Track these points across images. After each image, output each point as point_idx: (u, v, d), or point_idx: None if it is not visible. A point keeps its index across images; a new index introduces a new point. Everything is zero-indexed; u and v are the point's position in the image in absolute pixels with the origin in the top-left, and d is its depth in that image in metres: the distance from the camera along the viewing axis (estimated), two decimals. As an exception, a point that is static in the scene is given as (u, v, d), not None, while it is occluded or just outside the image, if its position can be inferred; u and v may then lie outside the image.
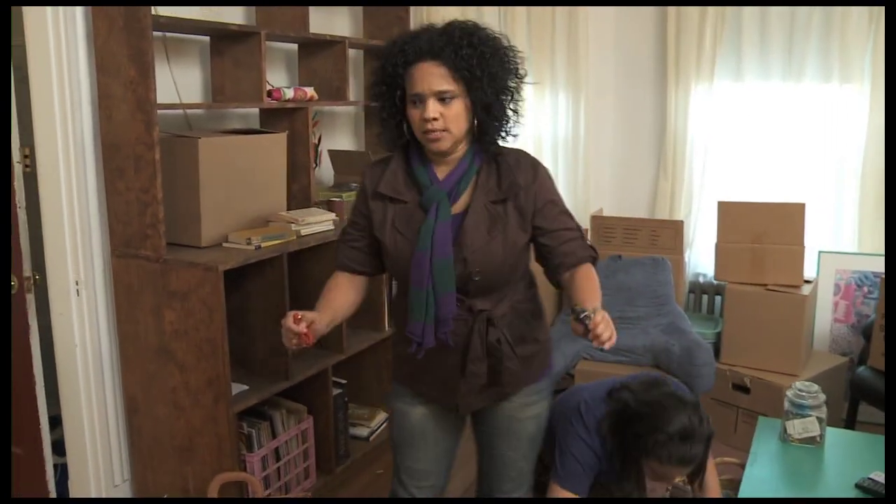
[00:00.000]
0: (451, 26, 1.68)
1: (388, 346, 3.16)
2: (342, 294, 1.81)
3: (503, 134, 1.74)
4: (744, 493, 2.05)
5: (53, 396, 2.62)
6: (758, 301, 3.29)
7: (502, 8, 3.73)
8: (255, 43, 2.67)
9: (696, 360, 3.13)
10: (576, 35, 3.74)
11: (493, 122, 1.69)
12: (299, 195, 2.96)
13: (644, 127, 3.88)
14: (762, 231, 3.33)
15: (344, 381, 2.97)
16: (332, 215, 2.83)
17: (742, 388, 3.28)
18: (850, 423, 3.10)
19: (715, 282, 3.64)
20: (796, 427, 2.28)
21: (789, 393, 2.31)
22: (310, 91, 2.93)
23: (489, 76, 1.64)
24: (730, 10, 3.53)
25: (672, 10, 3.62)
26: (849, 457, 2.26)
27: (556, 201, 1.75)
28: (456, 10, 3.52)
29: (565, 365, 3.35)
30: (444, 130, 1.66)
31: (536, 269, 1.86)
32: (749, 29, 3.53)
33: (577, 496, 1.94)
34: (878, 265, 3.35)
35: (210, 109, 2.90)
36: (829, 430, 2.34)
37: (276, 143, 2.74)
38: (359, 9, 3.55)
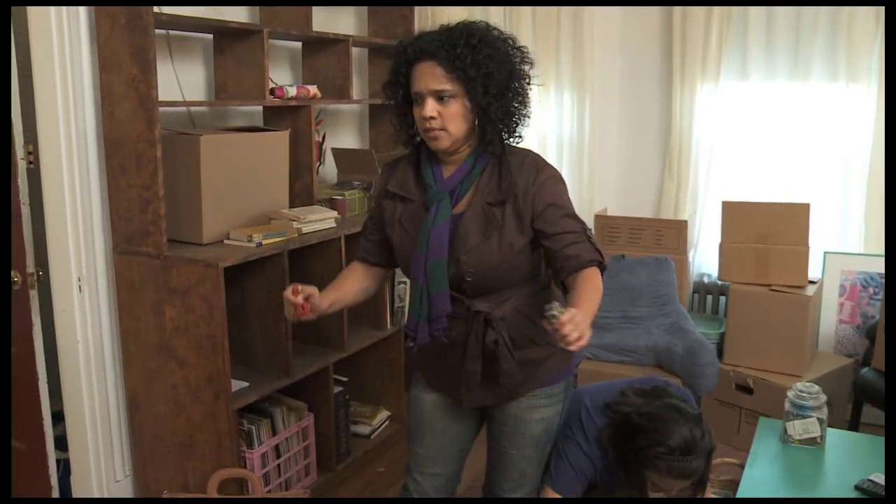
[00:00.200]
0: (457, 26, 1.69)
1: (389, 345, 3.17)
2: (352, 280, 1.93)
3: (506, 135, 1.74)
4: (742, 493, 2.04)
5: (56, 392, 2.64)
6: (762, 301, 3.27)
7: (507, 8, 3.73)
8: (258, 41, 2.68)
9: (698, 360, 3.11)
10: (581, 35, 3.74)
11: (492, 123, 1.69)
12: (302, 193, 2.97)
13: (649, 126, 3.87)
14: (767, 231, 3.31)
15: (345, 379, 2.98)
16: (335, 213, 2.84)
17: (745, 389, 3.27)
18: (853, 424, 3.09)
19: (719, 282, 3.62)
20: (797, 428, 2.27)
21: (790, 394, 2.30)
22: (313, 89, 2.94)
23: (485, 77, 1.64)
24: (736, 10, 3.51)
25: (678, 10, 3.60)
26: (849, 458, 2.24)
27: (558, 204, 1.71)
28: (462, 10, 3.52)
29: (568, 364, 3.34)
30: (441, 129, 1.67)
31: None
32: (755, 28, 3.51)
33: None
34: (884, 266, 3.33)
35: (214, 107, 2.91)
36: (830, 432, 2.32)
37: (278, 141, 2.75)
38: (363, 7, 3.56)
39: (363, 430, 3.13)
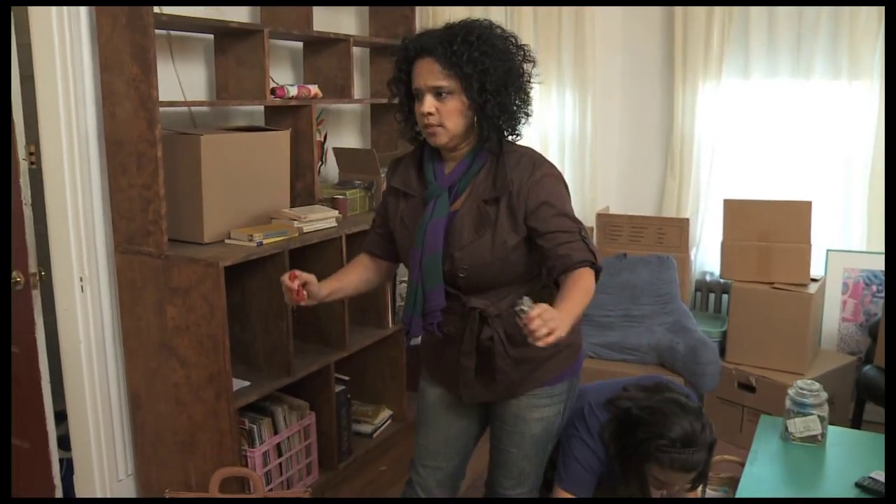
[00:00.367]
0: (458, 24, 1.71)
1: (391, 344, 3.17)
2: (356, 271, 1.97)
3: (504, 133, 1.74)
4: (742, 491, 2.03)
5: (59, 392, 2.65)
6: (764, 299, 3.26)
7: (509, 7, 3.73)
8: (259, 41, 2.69)
9: (700, 358, 3.11)
10: (583, 33, 3.73)
11: (489, 120, 1.69)
12: (303, 193, 2.97)
13: (651, 125, 3.86)
14: (769, 229, 3.30)
15: (347, 378, 2.98)
16: (336, 213, 2.84)
17: (747, 387, 3.26)
18: (856, 422, 3.08)
19: (721, 280, 3.61)
20: (797, 425, 2.26)
21: (791, 391, 2.29)
22: (314, 89, 2.94)
23: (481, 73, 1.64)
24: (737, 8, 3.50)
25: (679, 9, 3.60)
26: (850, 456, 2.24)
27: (551, 203, 1.69)
28: (463, 10, 3.52)
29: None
30: (439, 126, 1.69)
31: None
32: (757, 26, 3.50)
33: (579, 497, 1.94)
34: (884, 263, 3.32)
35: (215, 107, 2.92)
36: (831, 429, 2.31)
37: (279, 141, 2.75)
38: (364, 7, 3.57)
39: (365, 429, 3.14)
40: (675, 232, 3.50)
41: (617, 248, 3.57)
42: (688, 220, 3.52)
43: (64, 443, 2.71)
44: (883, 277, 3.37)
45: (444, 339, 1.82)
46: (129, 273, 2.50)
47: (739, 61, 3.57)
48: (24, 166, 2.49)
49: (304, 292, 1.78)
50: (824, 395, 2.27)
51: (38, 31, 2.41)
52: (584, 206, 3.88)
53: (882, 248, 3.37)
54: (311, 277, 1.79)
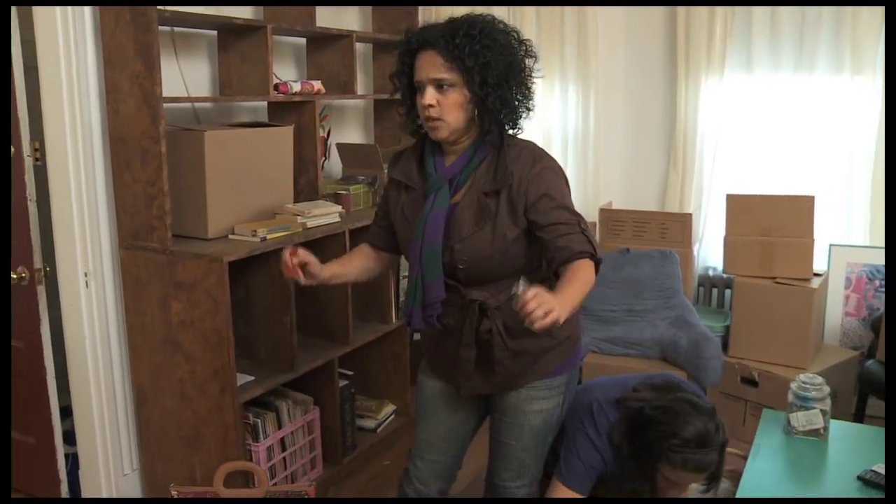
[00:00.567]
0: (461, 18, 1.72)
1: (395, 339, 3.18)
2: (359, 259, 2.00)
3: (505, 126, 1.74)
4: (744, 484, 2.04)
5: (64, 387, 2.66)
6: (766, 294, 3.26)
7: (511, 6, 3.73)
8: (262, 37, 2.70)
9: (703, 353, 3.11)
10: (585, 29, 3.73)
11: (490, 113, 1.69)
12: (307, 188, 2.98)
13: (654, 120, 3.86)
14: (771, 224, 3.30)
15: (350, 373, 3.00)
16: (339, 208, 2.85)
17: (750, 382, 3.26)
18: (858, 417, 3.08)
19: (724, 275, 3.61)
20: (800, 419, 2.27)
21: (793, 385, 2.29)
22: (317, 85, 2.95)
23: (482, 66, 1.65)
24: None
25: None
26: (852, 449, 2.24)
27: (551, 195, 1.69)
28: (466, 9, 3.53)
29: (572, 358, 3.35)
30: (439, 119, 1.69)
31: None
32: (759, 21, 3.49)
33: (577, 494, 1.93)
34: (884, 255, 3.32)
35: (218, 103, 2.93)
36: (833, 423, 2.32)
37: (282, 137, 2.76)
38: (367, 6, 3.57)
39: (369, 423, 3.15)
40: (678, 227, 3.50)
41: (620, 243, 3.57)
42: (691, 215, 3.53)
43: (69, 438, 2.73)
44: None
45: (444, 332, 1.82)
46: (133, 268, 2.51)
47: (742, 56, 3.56)
48: (28, 163, 2.51)
49: (300, 272, 1.81)
50: (827, 390, 2.28)
51: (41, 28, 2.42)
52: (587, 201, 3.88)
53: (884, 243, 3.37)
54: (311, 259, 1.84)
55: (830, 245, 3.48)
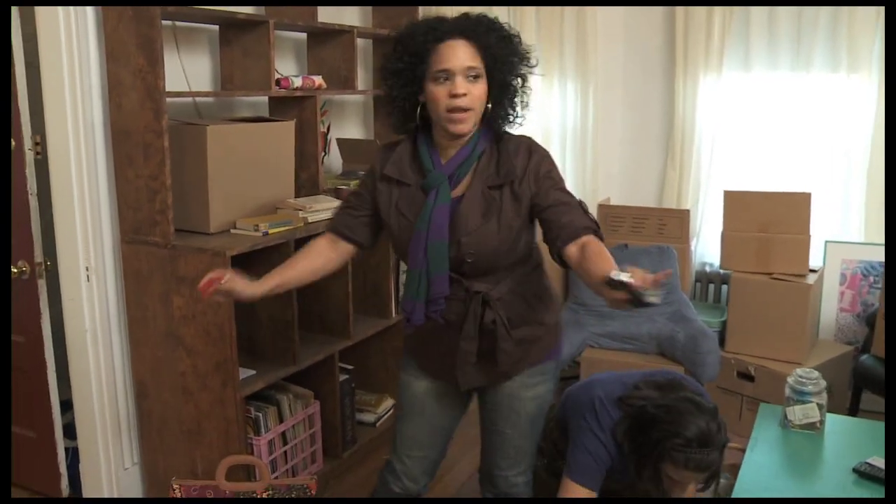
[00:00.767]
0: (474, 13, 1.72)
1: (394, 333, 3.20)
2: (309, 258, 1.90)
3: (512, 119, 1.78)
4: (743, 477, 2.07)
5: (64, 381, 2.67)
6: (763, 290, 3.29)
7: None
8: (264, 32, 2.70)
9: (700, 348, 3.14)
10: (584, 26, 3.75)
11: (503, 106, 1.74)
12: (308, 183, 2.99)
13: (652, 117, 3.88)
14: (768, 220, 3.33)
15: (351, 367, 3.01)
16: (340, 203, 2.86)
17: (747, 377, 3.29)
18: (853, 411, 3.11)
19: (721, 271, 3.64)
20: (797, 413, 2.30)
21: (790, 379, 2.32)
22: (318, 80, 2.96)
23: (509, 58, 1.69)
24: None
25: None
26: (848, 442, 2.27)
27: (553, 178, 1.74)
28: (465, 9, 3.54)
29: (571, 353, 3.37)
30: (468, 109, 1.68)
31: (545, 250, 1.87)
32: (757, 19, 3.51)
33: (589, 490, 1.95)
34: (884, 241, 3.35)
35: (220, 98, 2.93)
36: (829, 417, 2.35)
37: (284, 131, 2.77)
38: (368, 5, 3.59)
39: (368, 417, 3.17)
40: (676, 223, 3.53)
41: (618, 238, 3.59)
42: (688, 211, 3.55)
43: (70, 432, 2.74)
44: (880, 269, 3.40)
45: (442, 327, 1.82)
46: (135, 263, 2.52)
47: (740, 54, 3.58)
48: (29, 157, 2.51)
49: (210, 291, 1.72)
50: (823, 384, 2.31)
51: (43, 23, 2.41)
52: (586, 197, 3.90)
53: (880, 240, 3.40)
54: (234, 287, 1.75)
55: (826, 241, 3.51)
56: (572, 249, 1.63)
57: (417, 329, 1.85)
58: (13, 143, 2.48)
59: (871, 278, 3.46)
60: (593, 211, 3.75)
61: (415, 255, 1.77)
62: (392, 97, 1.75)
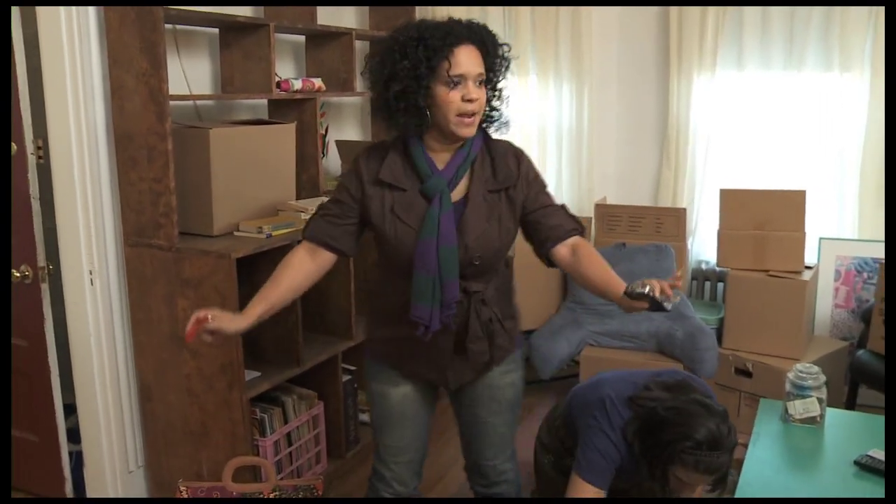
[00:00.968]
0: (471, 21, 1.75)
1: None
2: (286, 280, 1.82)
3: (501, 122, 1.84)
4: (746, 471, 2.09)
5: (67, 385, 2.67)
6: (759, 287, 3.33)
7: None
8: (265, 34, 2.71)
9: (699, 344, 3.17)
10: (579, 26, 3.78)
11: (496, 111, 1.81)
12: (308, 185, 3.01)
13: (647, 116, 3.91)
14: (764, 218, 3.37)
15: (353, 368, 3.02)
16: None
17: (744, 373, 3.33)
18: (849, 405, 3.15)
19: (717, 268, 3.68)
20: (797, 407, 2.33)
21: (790, 374, 2.35)
22: (318, 82, 2.97)
23: (502, 65, 1.75)
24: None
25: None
26: (848, 436, 2.31)
27: (539, 182, 1.85)
28: (462, 10, 3.57)
29: (570, 351, 3.39)
30: (476, 114, 1.71)
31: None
32: (750, 19, 3.56)
33: (598, 489, 1.96)
34: (878, 251, 3.39)
35: (219, 100, 2.94)
36: (829, 411, 2.38)
37: (285, 134, 2.78)
38: (364, 6, 3.60)
39: (370, 418, 3.17)
40: (673, 221, 3.56)
41: (616, 237, 3.62)
42: (685, 209, 3.58)
43: (73, 436, 2.73)
44: (874, 265, 3.45)
45: (439, 329, 1.81)
46: (138, 266, 2.52)
47: (733, 54, 3.62)
48: (31, 160, 2.51)
49: (194, 332, 1.68)
50: (823, 378, 2.34)
51: (45, 26, 2.42)
52: (582, 196, 3.93)
53: (873, 236, 3.45)
54: (220, 325, 1.72)
55: (820, 238, 3.55)
56: (563, 251, 1.80)
57: (393, 339, 1.87)
58: (15, 147, 2.48)
59: (866, 274, 3.50)
60: (590, 210, 3.79)
61: (425, 262, 1.74)
62: (405, 101, 1.68)
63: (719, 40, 3.59)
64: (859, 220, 3.50)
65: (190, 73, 2.79)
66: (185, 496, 2.31)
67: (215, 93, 2.93)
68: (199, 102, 2.84)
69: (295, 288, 1.84)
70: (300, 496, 2.32)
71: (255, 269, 2.65)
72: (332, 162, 3.43)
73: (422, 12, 3.62)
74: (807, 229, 3.35)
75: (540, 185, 1.84)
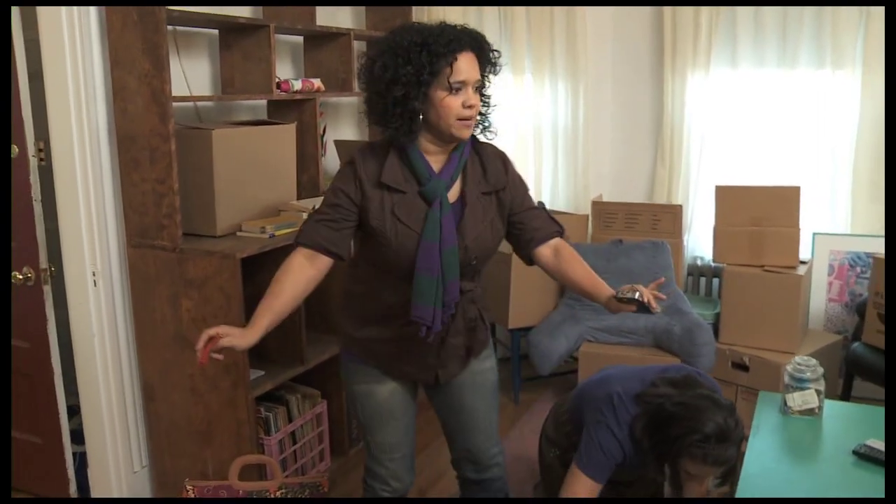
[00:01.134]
0: (465, 27, 1.77)
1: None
2: (289, 290, 1.76)
3: (488, 125, 1.89)
4: (747, 463, 2.12)
5: (71, 386, 2.67)
6: (755, 282, 3.37)
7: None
8: (265, 35, 2.73)
9: (696, 339, 3.20)
10: (574, 25, 3.81)
11: (486, 116, 1.86)
12: (308, 185, 3.02)
13: (642, 115, 3.95)
14: (759, 214, 3.41)
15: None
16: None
17: (741, 367, 3.37)
18: (844, 397, 3.20)
19: (713, 264, 3.72)
20: (796, 399, 2.36)
21: (789, 367, 2.39)
22: (317, 82, 2.99)
23: (493, 71, 1.81)
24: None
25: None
26: (846, 426, 2.34)
27: (524, 185, 1.95)
28: (458, 10, 3.60)
29: (568, 348, 3.42)
30: (472, 119, 1.76)
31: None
32: (744, 17, 3.60)
33: (596, 482, 1.99)
34: (871, 246, 3.44)
35: (219, 101, 2.95)
36: (827, 402, 2.42)
37: (286, 134, 2.80)
38: (361, 7, 3.61)
39: (372, 416, 3.19)
40: (669, 218, 3.60)
41: (612, 234, 3.66)
42: (681, 206, 3.62)
43: (77, 437, 2.74)
44: (867, 259, 3.49)
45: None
46: (141, 266, 2.53)
47: (727, 52, 3.66)
48: (33, 163, 2.52)
49: (207, 354, 1.66)
50: (821, 371, 2.38)
51: (46, 28, 2.42)
52: (578, 194, 3.97)
53: (866, 231, 3.50)
54: (232, 342, 1.67)
55: (814, 233, 3.59)
56: (545, 251, 1.92)
57: (380, 338, 1.89)
58: (16, 149, 2.49)
59: (859, 268, 3.55)
60: (586, 208, 3.82)
61: (428, 264, 1.76)
62: (396, 104, 1.69)
63: (713, 39, 3.63)
64: (852, 215, 3.55)
65: (190, 75, 2.80)
66: (192, 495, 2.32)
67: (216, 94, 2.94)
68: (199, 103, 2.85)
69: (297, 296, 1.79)
70: (306, 493, 2.34)
71: (258, 268, 2.66)
72: (331, 162, 3.44)
73: (418, 13, 3.64)
74: (801, 225, 3.40)
75: (524, 187, 1.95)
